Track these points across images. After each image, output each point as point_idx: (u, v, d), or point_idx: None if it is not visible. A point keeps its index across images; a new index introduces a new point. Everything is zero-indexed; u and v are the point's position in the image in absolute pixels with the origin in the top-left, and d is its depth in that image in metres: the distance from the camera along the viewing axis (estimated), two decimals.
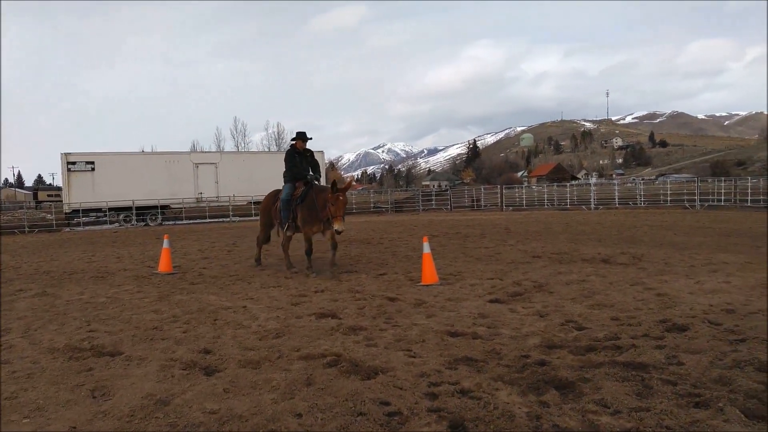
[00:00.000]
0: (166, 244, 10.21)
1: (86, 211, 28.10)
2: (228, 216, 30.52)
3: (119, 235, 21.55)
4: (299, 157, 9.52)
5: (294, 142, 9.65)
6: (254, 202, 32.05)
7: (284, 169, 9.57)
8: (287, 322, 5.80)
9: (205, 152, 45.15)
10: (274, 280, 8.72)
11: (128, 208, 28.54)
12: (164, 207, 30.03)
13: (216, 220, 30.61)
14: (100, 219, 28.95)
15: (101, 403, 3.72)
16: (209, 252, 13.31)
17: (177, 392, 3.86)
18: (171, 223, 29.93)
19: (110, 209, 28.33)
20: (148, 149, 65.67)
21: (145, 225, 28.54)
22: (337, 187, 8.56)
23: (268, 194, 10.42)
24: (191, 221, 30.54)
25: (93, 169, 28.16)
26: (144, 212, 29.17)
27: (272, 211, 9.98)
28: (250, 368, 4.33)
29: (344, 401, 3.60)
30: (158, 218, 29.45)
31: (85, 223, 28.63)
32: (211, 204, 31.06)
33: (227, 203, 30.64)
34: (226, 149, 64.02)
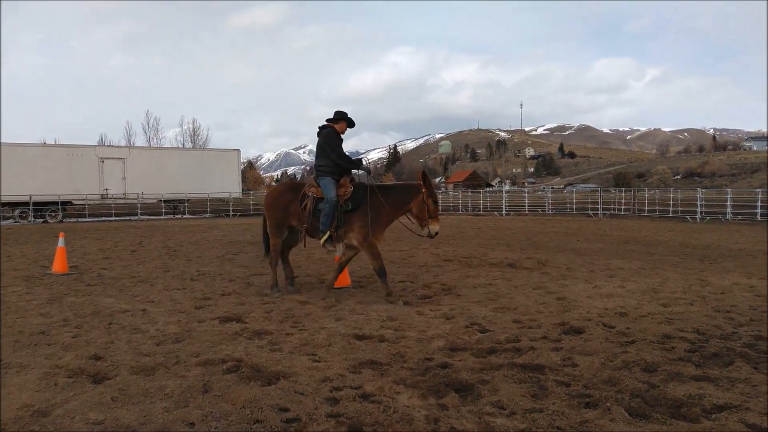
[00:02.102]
0: (61, 242, 9.56)
1: None
2: (136, 214, 29.13)
3: (13, 232, 20.03)
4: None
5: (333, 124, 7.33)
6: (165, 201, 30.84)
7: (319, 158, 7.29)
8: (188, 327, 5.56)
9: (112, 146, 43.08)
10: (179, 282, 8.35)
11: (25, 203, 26.62)
12: (65, 203, 28.25)
13: (122, 218, 29.13)
14: None
15: None
16: (111, 252, 12.61)
17: (59, 402, 3.58)
18: (73, 220, 28.21)
19: (4, 204, 26.29)
20: (51, 142, 61.61)
21: (43, 222, 26.74)
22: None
23: (277, 189, 7.94)
24: (95, 219, 28.89)
25: None
26: (42, 208, 27.32)
27: (292, 212, 7.27)
28: (143, 375, 4.09)
29: (241, 408, 3.46)
30: (59, 215, 27.67)
31: None
32: (118, 201, 29.54)
33: (135, 201, 29.26)
34: (138, 144, 61.15)
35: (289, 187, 7.70)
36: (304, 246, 7.58)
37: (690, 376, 4.04)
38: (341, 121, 7.33)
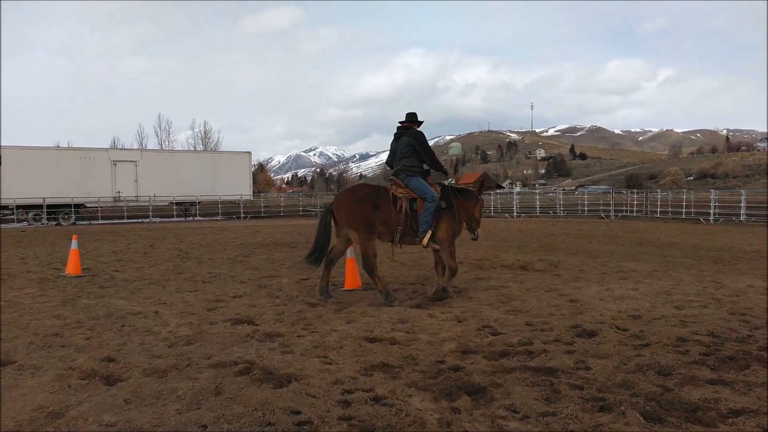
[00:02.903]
0: (74, 244, 9.63)
1: None
2: (148, 216, 29.32)
3: (27, 234, 20.22)
4: None
5: (415, 126, 7.41)
6: (176, 203, 31.02)
7: (409, 158, 7.17)
8: (200, 329, 5.57)
9: (125, 149, 43.40)
10: (190, 284, 8.39)
11: (38, 206, 26.88)
12: (78, 206, 28.50)
13: (135, 220, 29.34)
14: (7, 217, 27.10)
15: None
16: (124, 254, 12.70)
17: (72, 404, 3.60)
18: (86, 222, 28.43)
19: (18, 207, 26.57)
20: (64, 145, 62.17)
21: (56, 224, 26.97)
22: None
23: (361, 192, 7.16)
24: (108, 221, 29.12)
25: None
26: (56, 211, 27.57)
27: (379, 216, 6.91)
28: (155, 377, 4.11)
29: (253, 411, 3.46)
30: (71, 217, 27.91)
31: None
32: (130, 204, 29.76)
33: (147, 203, 29.45)
34: (150, 147, 61.61)
35: (375, 189, 7.24)
36: (400, 247, 7.45)
37: (705, 380, 3.99)
38: (417, 123, 7.41)
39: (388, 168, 7.72)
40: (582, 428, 3.22)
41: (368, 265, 6.86)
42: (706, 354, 4.62)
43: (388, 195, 7.04)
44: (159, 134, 70.32)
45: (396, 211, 6.97)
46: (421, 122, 7.48)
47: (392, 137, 7.50)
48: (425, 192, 7.03)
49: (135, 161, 30.03)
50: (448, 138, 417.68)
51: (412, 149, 7.17)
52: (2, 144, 27.25)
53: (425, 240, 6.99)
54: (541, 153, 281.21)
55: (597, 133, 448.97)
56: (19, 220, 26.86)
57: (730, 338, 5.14)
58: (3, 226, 25.45)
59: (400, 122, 7.47)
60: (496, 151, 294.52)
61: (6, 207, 26.53)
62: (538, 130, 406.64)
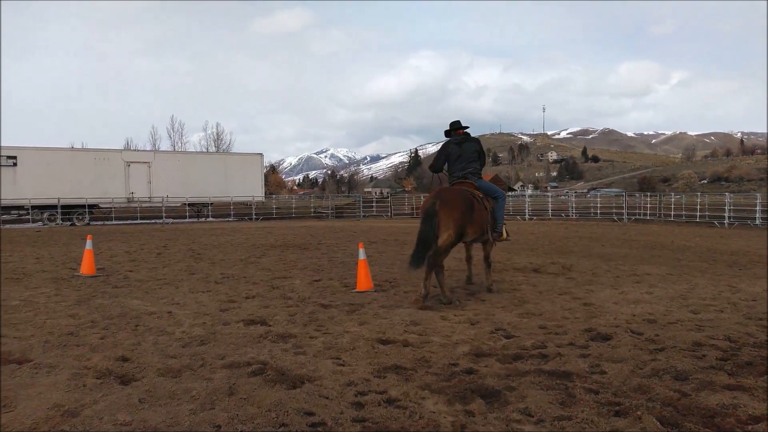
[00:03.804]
0: (89, 244, 9.71)
1: (6, 209, 26.53)
2: (161, 217, 29.52)
3: (42, 234, 20.42)
4: None
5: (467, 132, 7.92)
6: (189, 204, 31.22)
7: (476, 162, 7.68)
8: (214, 329, 5.59)
9: (138, 151, 43.77)
10: (203, 284, 8.42)
11: (53, 207, 27.16)
12: (92, 206, 28.78)
13: (148, 221, 29.55)
14: (22, 217, 27.41)
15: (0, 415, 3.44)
16: (137, 254, 12.78)
17: (87, 403, 3.62)
18: (99, 223, 28.69)
19: (33, 207, 26.86)
20: (78, 146, 62.82)
21: (71, 225, 27.25)
22: None
23: (464, 192, 7.13)
24: (121, 222, 29.34)
25: (15, 165, 26.71)
26: (70, 211, 27.85)
27: (476, 216, 7.10)
28: (169, 377, 4.13)
29: (266, 411, 3.47)
30: (86, 218, 28.17)
31: (5, 221, 27.02)
32: (143, 204, 30.00)
33: (160, 204, 29.66)
34: (163, 149, 62.09)
35: (466, 191, 7.17)
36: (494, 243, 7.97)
37: (723, 385, 3.93)
38: (464, 129, 7.89)
39: (434, 172, 8.11)
40: None
41: (436, 261, 6.79)
42: (724, 359, 4.56)
43: (477, 196, 7.29)
44: (172, 136, 71.03)
45: (486, 211, 7.36)
46: (467, 127, 7.91)
47: (442, 144, 7.98)
48: (497, 191, 7.67)
49: (148, 162, 30.28)
50: None
51: (478, 154, 7.70)
52: (18, 145, 27.58)
53: (505, 234, 7.75)
54: (552, 155, 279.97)
55: (609, 135, 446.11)
56: (34, 221, 27.16)
57: (747, 343, 5.07)
58: (19, 226, 25.75)
59: (447, 131, 7.89)
60: (507, 153, 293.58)
61: (21, 207, 26.84)
62: (549, 133, 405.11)
